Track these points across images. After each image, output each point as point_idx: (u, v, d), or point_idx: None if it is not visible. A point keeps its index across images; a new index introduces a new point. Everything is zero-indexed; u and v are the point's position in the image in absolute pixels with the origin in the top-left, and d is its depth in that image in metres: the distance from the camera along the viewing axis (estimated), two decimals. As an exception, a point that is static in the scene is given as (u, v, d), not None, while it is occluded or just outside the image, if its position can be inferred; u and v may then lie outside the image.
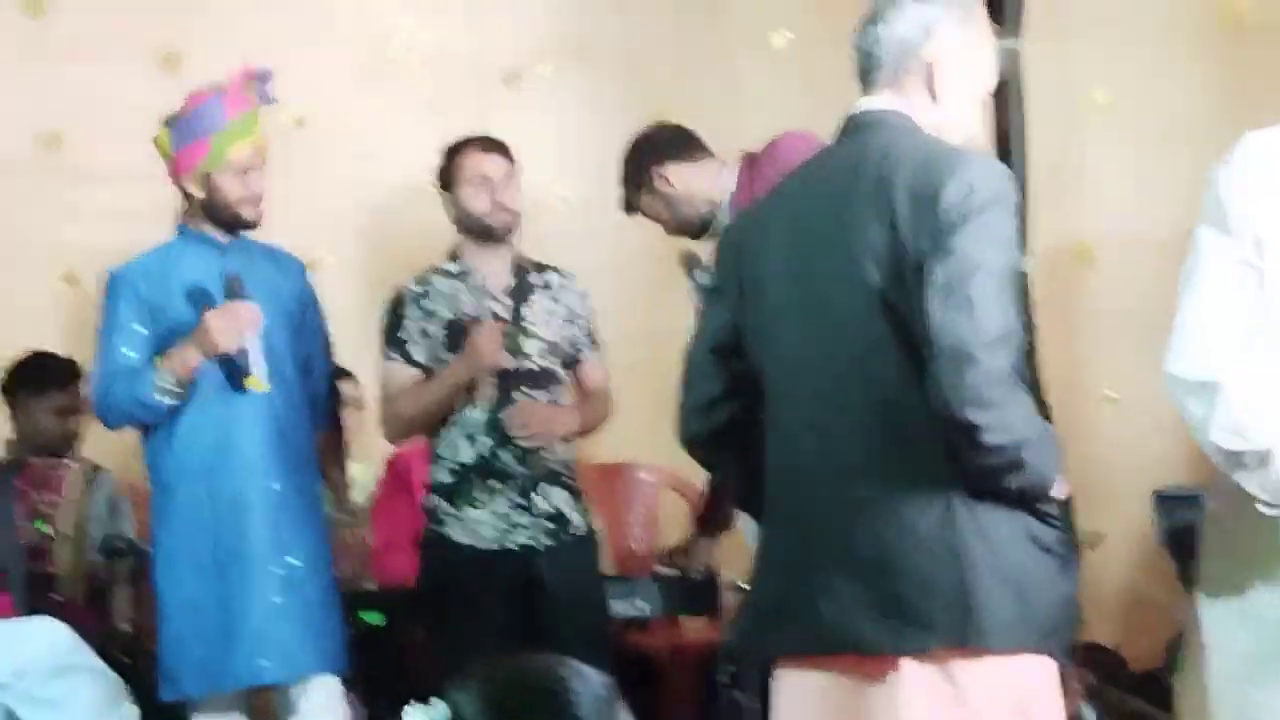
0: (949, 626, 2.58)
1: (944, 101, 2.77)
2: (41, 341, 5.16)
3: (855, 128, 2.79)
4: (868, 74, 2.79)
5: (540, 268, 4.40)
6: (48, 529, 4.71)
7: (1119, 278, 5.60)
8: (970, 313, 2.52)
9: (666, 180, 4.26)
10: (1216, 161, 2.65)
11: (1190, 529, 3.01)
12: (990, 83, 2.89)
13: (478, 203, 4.24)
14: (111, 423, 4.23)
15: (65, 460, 4.93)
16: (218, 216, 4.16)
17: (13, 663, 3.83)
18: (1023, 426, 2.56)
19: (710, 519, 4.50)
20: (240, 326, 4.02)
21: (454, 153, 4.30)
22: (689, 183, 4.27)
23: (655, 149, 4.30)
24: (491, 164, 4.27)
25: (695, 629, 5.11)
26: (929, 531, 2.59)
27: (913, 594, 2.59)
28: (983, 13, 2.87)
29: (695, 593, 4.81)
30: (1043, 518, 2.63)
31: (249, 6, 5.60)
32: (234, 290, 4.05)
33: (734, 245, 2.97)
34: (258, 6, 5.62)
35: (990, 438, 2.53)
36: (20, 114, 5.56)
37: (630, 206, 4.42)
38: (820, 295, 2.72)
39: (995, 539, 2.61)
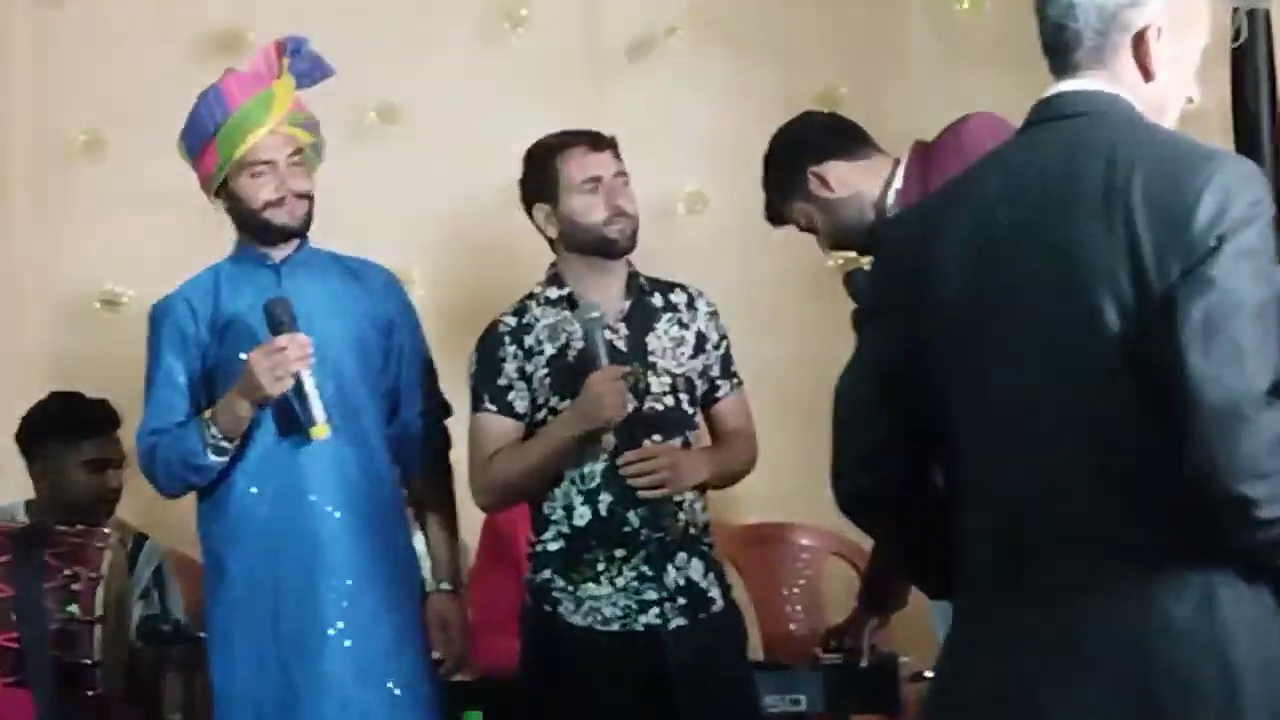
0: None
1: (1159, 78, 2.69)
2: (74, 379, 5.20)
3: (1056, 115, 2.71)
4: (1061, 51, 2.71)
5: (662, 286, 4.34)
6: (79, 611, 4.62)
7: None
8: (1240, 361, 2.44)
9: (824, 182, 4.15)
10: None
11: None
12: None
13: (593, 212, 4.18)
14: (164, 487, 4.24)
15: (102, 528, 4.82)
16: (249, 229, 4.18)
17: None
18: None
19: (881, 594, 4.41)
20: (288, 364, 3.99)
21: (551, 154, 4.25)
22: (852, 184, 4.17)
23: (810, 144, 4.19)
24: (604, 163, 4.22)
25: None
26: (1186, 620, 2.51)
27: (1170, 697, 2.52)
28: None
29: (868, 684, 4.74)
30: None
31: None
32: (277, 320, 4.02)
33: (901, 254, 2.84)
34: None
35: (1267, 512, 2.45)
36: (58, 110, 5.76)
37: (777, 216, 4.31)
38: (1029, 329, 2.62)
39: (1266, 629, 2.54)
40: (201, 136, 4.15)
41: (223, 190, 4.17)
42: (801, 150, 4.18)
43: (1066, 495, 2.61)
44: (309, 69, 4.19)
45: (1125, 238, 2.53)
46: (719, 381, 4.33)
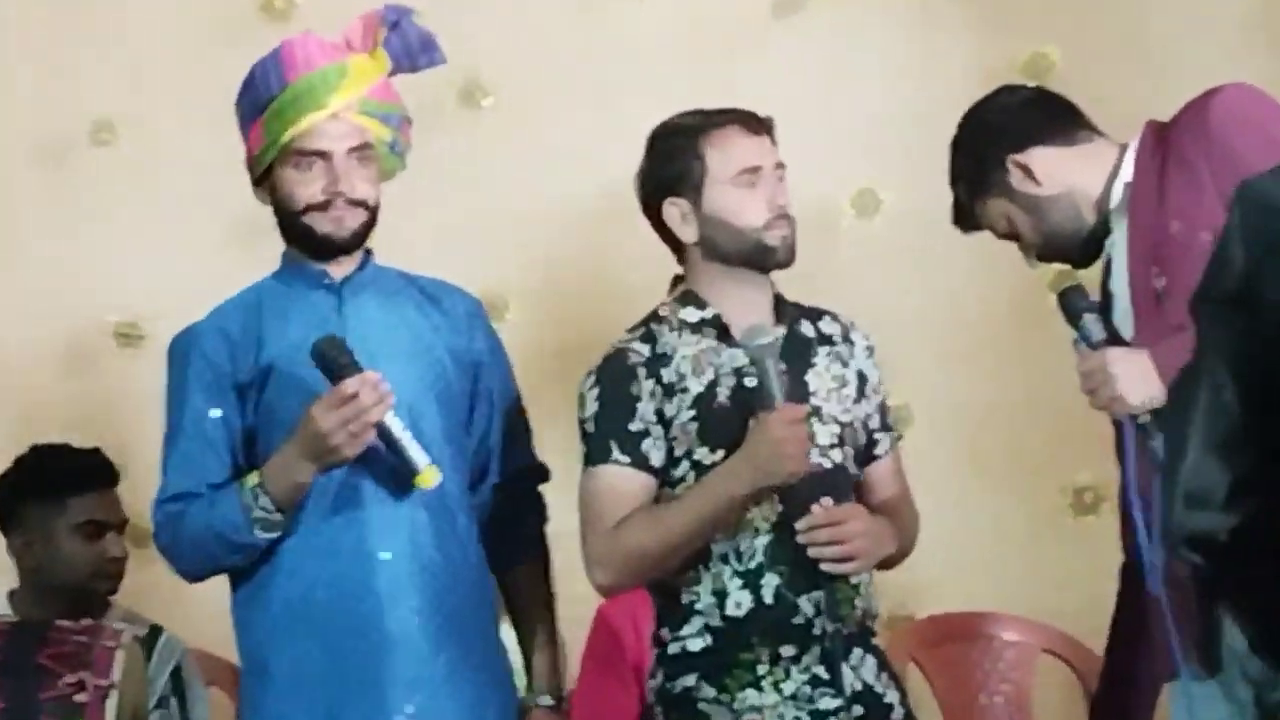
0: None
1: None
2: (83, 433, 5.23)
3: None
4: None
5: (809, 313, 4.27)
6: None
7: None
8: None
9: (1029, 174, 4.08)
10: None
11: None
12: None
13: (750, 211, 4.10)
14: (185, 568, 4.22)
15: (114, 624, 4.82)
16: (292, 236, 4.17)
17: None
18: None
19: (1109, 705, 4.35)
20: (365, 416, 3.95)
21: (694, 136, 4.17)
22: (1065, 177, 4.09)
23: (1012, 125, 4.13)
24: (763, 150, 4.14)
25: None
26: None
27: None
28: None
29: None
30: None
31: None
32: (335, 363, 3.98)
33: (1276, 230, 2.67)
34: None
35: None
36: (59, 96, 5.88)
37: (969, 218, 4.25)
38: None
39: None
40: (252, 107, 4.16)
41: (265, 180, 4.17)
42: (1000, 134, 4.13)
43: None
44: (412, 49, 4.19)
45: None
46: (877, 435, 4.28)
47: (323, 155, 4.07)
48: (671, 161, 4.15)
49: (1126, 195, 3.98)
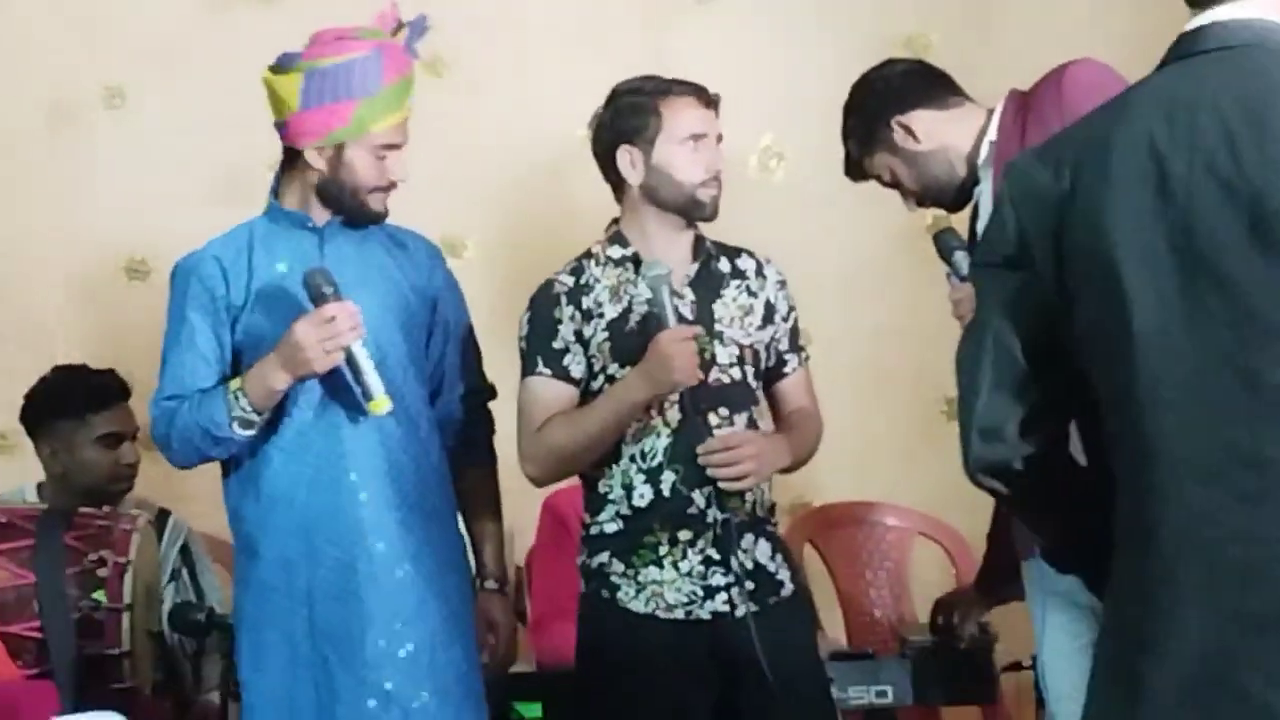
0: None
1: None
2: (97, 356, 5.23)
3: (1217, 46, 2.67)
4: None
5: (729, 251, 4.36)
6: (105, 599, 4.69)
7: None
8: None
9: (910, 133, 4.15)
10: None
11: None
12: None
13: (691, 169, 4.19)
14: (177, 458, 4.26)
15: (129, 510, 4.92)
16: (337, 200, 4.18)
17: None
18: None
19: (998, 582, 4.40)
20: (339, 337, 4.00)
21: (655, 97, 4.23)
22: (941, 136, 4.16)
23: (896, 91, 4.19)
24: (709, 121, 4.23)
25: None
26: None
27: None
28: None
29: (960, 673, 4.77)
30: None
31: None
32: (320, 290, 4.02)
33: (1039, 200, 2.77)
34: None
35: None
36: (72, 65, 5.73)
37: (858, 170, 4.29)
38: (1227, 286, 2.56)
39: None
40: (345, 90, 4.14)
41: (328, 153, 4.14)
42: (886, 98, 4.16)
43: (1263, 475, 2.55)
44: (416, 50, 4.23)
45: None
46: (787, 355, 4.35)
47: (395, 149, 4.14)
48: (632, 115, 4.20)
49: (992, 151, 4.04)
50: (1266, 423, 2.55)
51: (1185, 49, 2.69)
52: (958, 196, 4.18)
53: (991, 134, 4.08)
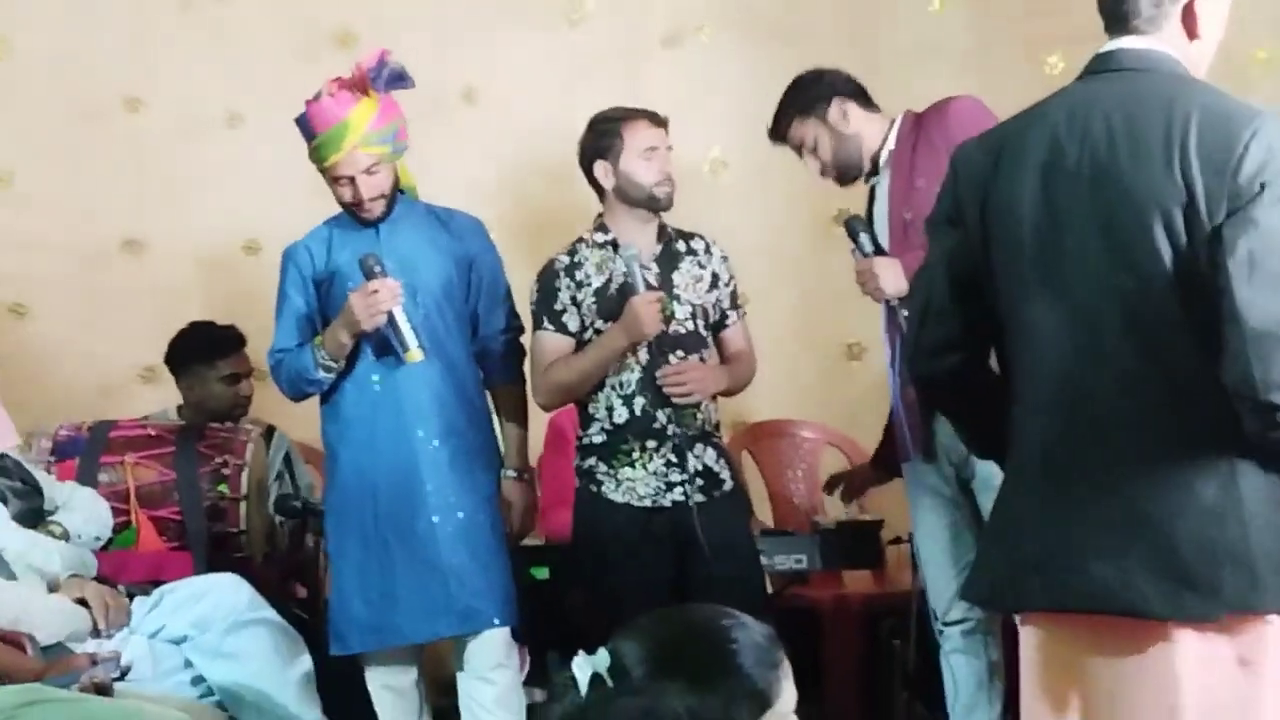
0: (1235, 592, 2.48)
1: (1203, 38, 2.64)
2: (219, 313, 5.17)
3: (1117, 68, 2.66)
4: (1120, 16, 2.65)
5: (685, 235, 4.30)
6: (228, 490, 4.70)
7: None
8: (1277, 291, 2.41)
9: (844, 115, 4.04)
10: None
11: None
12: None
13: (648, 174, 4.14)
14: (287, 393, 4.29)
15: (244, 425, 4.92)
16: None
17: (193, 617, 3.87)
18: None
19: (889, 462, 4.28)
20: (380, 304, 3.99)
21: (618, 123, 4.19)
22: (860, 128, 4.06)
23: (840, 81, 4.06)
24: (659, 137, 4.17)
25: (857, 582, 5.06)
26: (1212, 496, 2.49)
27: (1196, 559, 2.49)
28: None
29: (855, 545, 4.73)
30: None
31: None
32: (369, 270, 4.01)
33: (974, 176, 2.78)
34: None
35: None
36: (203, 95, 5.65)
37: (782, 134, 4.16)
38: (1093, 249, 2.59)
39: (1269, 506, 2.51)
40: (306, 138, 4.12)
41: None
42: (833, 83, 4.05)
43: (1121, 391, 2.56)
44: (392, 79, 4.09)
45: (1181, 179, 2.48)
46: (728, 312, 4.30)
47: (348, 178, 4.06)
48: (602, 137, 4.16)
49: (890, 156, 3.95)
50: (1090, 369, 2.59)
51: (1094, 67, 2.68)
52: (852, 178, 4.07)
53: (890, 143, 3.98)
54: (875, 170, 4.01)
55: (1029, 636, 2.72)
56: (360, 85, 4.04)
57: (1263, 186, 2.43)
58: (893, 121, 4.03)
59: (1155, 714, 2.54)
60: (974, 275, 2.72)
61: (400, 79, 4.09)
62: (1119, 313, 2.55)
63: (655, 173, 4.13)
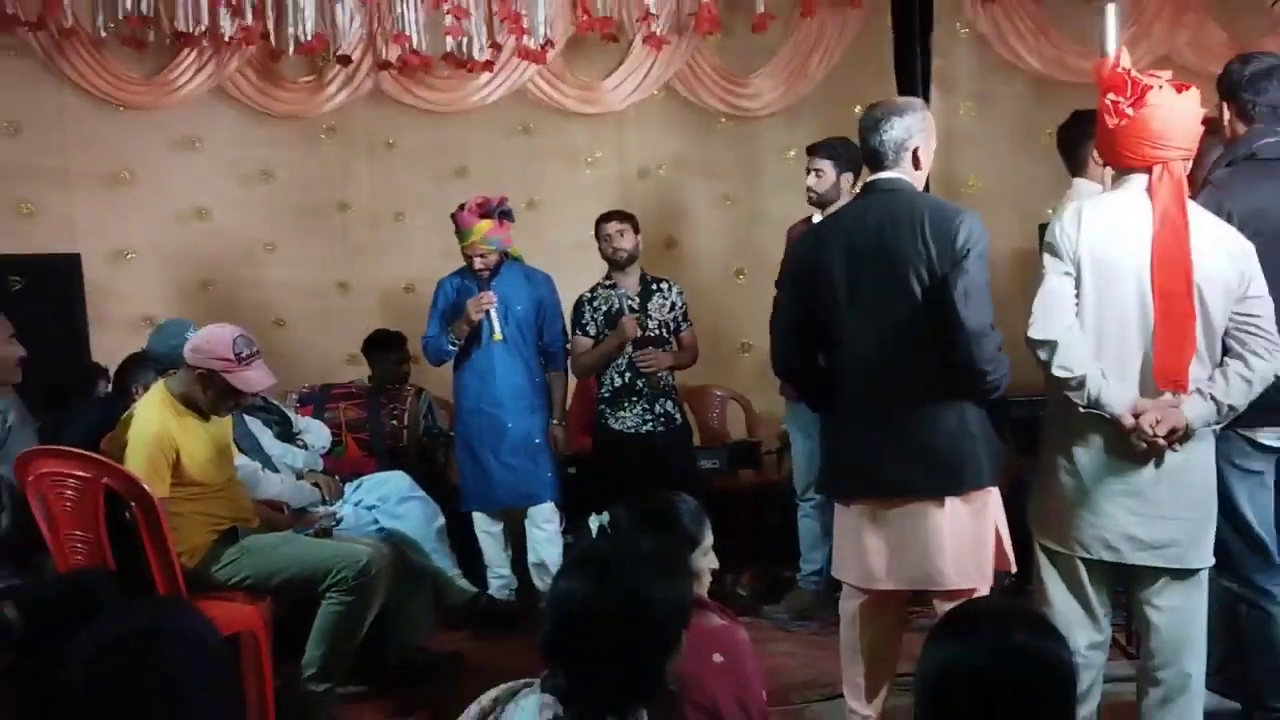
0: (971, 477, 2.48)
1: (923, 167, 2.57)
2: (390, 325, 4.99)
3: (881, 189, 2.53)
4: (877, 160, 2.55)
5: (657, 279, 4.19)
6: (397, 424, 4.62)
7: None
8: (981, 308, 2.37)
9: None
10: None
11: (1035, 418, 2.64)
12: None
13: (608, 249, 4.06)
14: (431, 363, 4.14)
15: (406, 387, 4.76)
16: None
17: (378, 494, 3.79)
18: (1005, 371, 2.44)
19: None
20: (481, 306, 3.93)
21: (599, 222, 4.12)
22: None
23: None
24: (618, 228, 4.05)
25: (747, 476, 4.87)
26: (954, 425, 2.47)
27: (948, 461, 2.46)
28: (930, 117, 2.62)
29: (746, 454, 4.73)
30: (994, 411, 2.54)
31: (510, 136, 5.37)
32: (480, 289, 3.94)
33: (805, 254, 2.65)
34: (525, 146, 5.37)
35: (993, 379, 2.43)
36: (382, 201, 5.42)
37: (814, 160, 3.71)
38: (878, 290, 2.48)
39: (982, 427, 2.51)
40: (456, 228, 3.99)
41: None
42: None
43: (899, 368, 2.50)
44: (502, 212, 3.95)
45: (923, 249, 2.42)
46: (682, 324, 4.17)
47: (477, 256, 3.95)
48: (597, 230, 4.10)
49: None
50: (883, 358, 2.51)
51: (865, 190, 2.60)
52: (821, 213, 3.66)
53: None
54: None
55: (849, 514, 2.64)
56: (485, 209, 3.97)
57: (967, 251, 2.40)
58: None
59: (929, 544, 2.50)
60: (807, 311, 2.62)
61: (506, 214, 3.99)
62: (895, 326, 2.48)
63: (611, 249, 4.03)
